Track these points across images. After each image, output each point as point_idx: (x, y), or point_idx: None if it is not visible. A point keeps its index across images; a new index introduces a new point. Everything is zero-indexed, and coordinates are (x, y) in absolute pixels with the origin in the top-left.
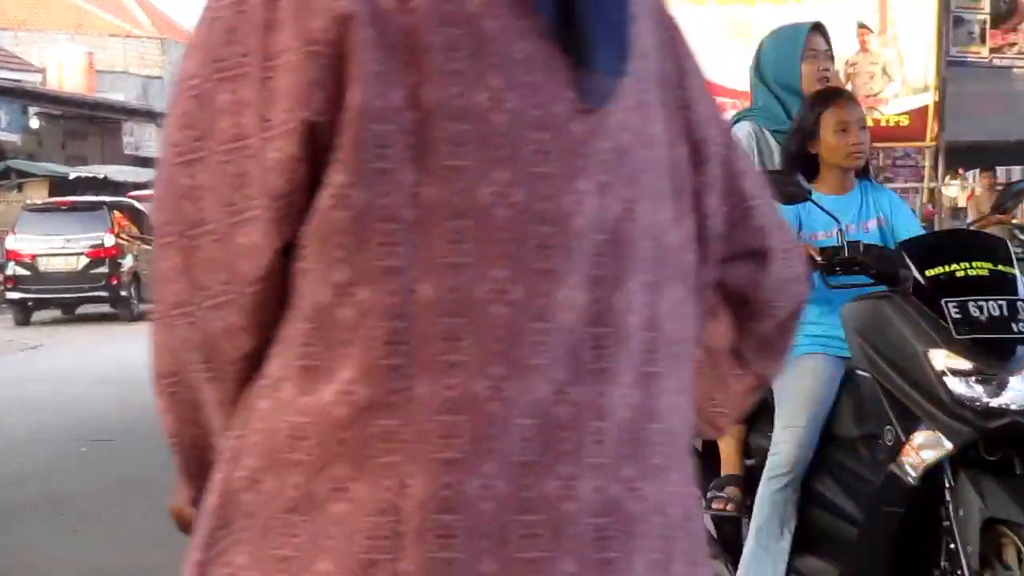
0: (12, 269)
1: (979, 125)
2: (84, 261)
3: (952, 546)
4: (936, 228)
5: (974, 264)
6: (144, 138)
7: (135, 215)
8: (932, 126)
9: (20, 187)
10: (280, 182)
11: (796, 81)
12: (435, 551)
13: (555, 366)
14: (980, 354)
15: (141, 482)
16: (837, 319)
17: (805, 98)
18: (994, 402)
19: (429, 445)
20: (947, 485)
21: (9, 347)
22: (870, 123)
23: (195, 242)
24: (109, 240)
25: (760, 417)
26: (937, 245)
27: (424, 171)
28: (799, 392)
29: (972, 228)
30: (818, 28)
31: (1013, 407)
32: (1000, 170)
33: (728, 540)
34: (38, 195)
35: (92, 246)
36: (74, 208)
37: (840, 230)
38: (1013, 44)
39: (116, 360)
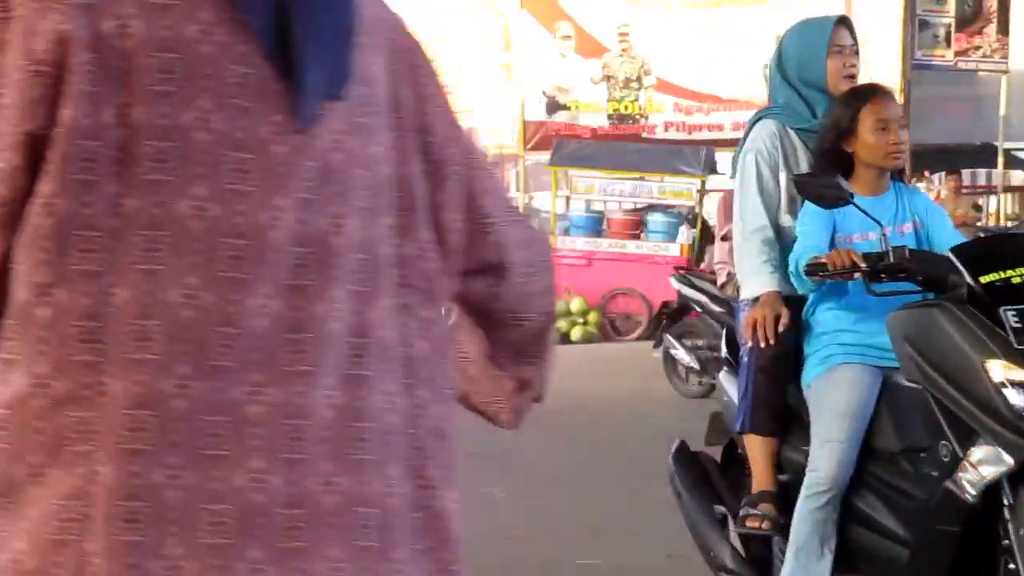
0: None
1: (944, 128)
2: None
3: (1012, 566)
4: None
5: None
6: None
7: None
8: None
9: None
10: (4, 190)
11: (821, 78)
12: (120, 534)
13: (248, 368)
14: None
15: None
16: (873, 326)
17: (842, 94)
18: None
19: (118, 436)
20: (1006, 503)
21: None
22: None
23: None
24: None
25: (793, 430)
26: (990, 250)
27: (127, 184)
28: (837, 404)
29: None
30: (844, 22)
31: None
32: (965, 172)
33: (759, 559)
34: None
35: None
36: None
37: (884, 234)
38: (978, 47)
39: None
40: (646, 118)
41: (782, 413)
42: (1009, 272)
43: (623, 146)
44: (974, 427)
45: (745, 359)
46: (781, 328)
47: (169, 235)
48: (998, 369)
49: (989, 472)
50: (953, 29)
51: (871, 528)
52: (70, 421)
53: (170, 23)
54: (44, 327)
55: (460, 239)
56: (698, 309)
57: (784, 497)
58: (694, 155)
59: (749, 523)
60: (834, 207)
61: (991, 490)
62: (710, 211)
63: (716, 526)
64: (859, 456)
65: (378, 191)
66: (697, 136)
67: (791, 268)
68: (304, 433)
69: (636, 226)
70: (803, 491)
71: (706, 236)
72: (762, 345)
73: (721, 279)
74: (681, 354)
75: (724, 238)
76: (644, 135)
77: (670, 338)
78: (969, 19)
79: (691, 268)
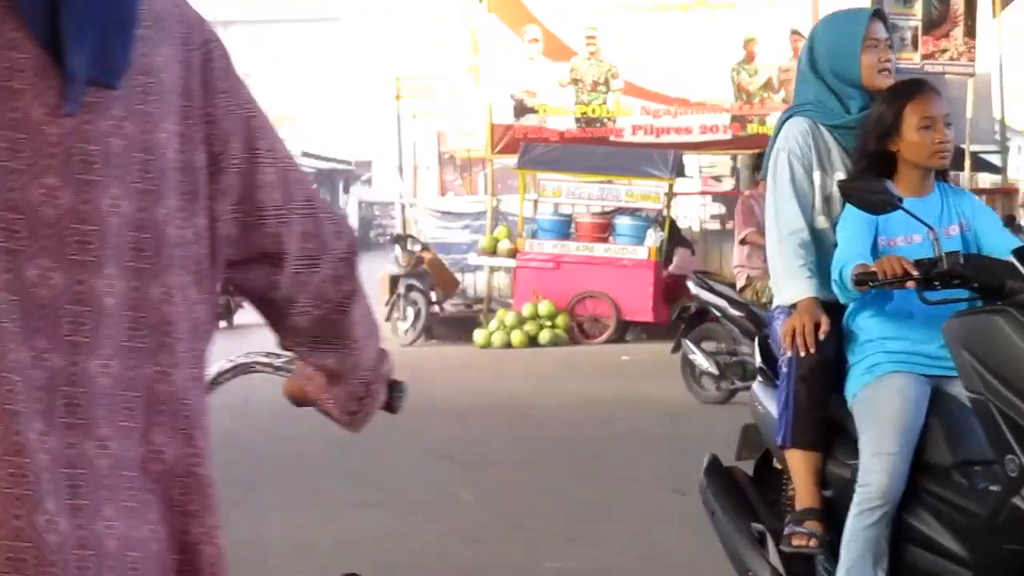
0: None
1: None
2: None
3: None
4: None
5: None
6: None
7: None
8: None
9: None
10: None
11: (855, 73)
12: None
13: (35, 335)
14: None
15: None
16: (920, 333)
17: (885, 90)
18: None
19: None
20: None
21: None
22: None
23: None
24: None
25: (837, 443)
26: None
27: None
28: (887, 415)
29: None
30: (878, 15)
31: None
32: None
33: None
34: None
35: None
36: None
37: (935, 240)
38: (945, 50)
39: None
40: (614, 121)
41: (825, 425)
42: None
43: (591, 149)
44: None
45: (784, 369)
46: (821, 336)
47: None
48: None
49: None
50: (920, 32)
51: (925, 546)
52: None
53: None
54: None
55: (231, 229)
56: (717, 313)
57: (829, 514)
58: (662, 158)
59: (795, 541)
60: (882, 213)
61: None
62: (678, 214)
63: (754, 545)
64: (909, 470)
65: (162, 174)
66: (665, 139)
67: (834, 277)
68: (81, 399)
69: (604, 229)
70: (854, 507)
71: (674, 238)
72: (801, 354)
73: (740, 283)
74: (700, 359)
75: (743, 242)
76: (612, 138)
77: (688, 343)
78: (936, 22)
79: (710, 273)
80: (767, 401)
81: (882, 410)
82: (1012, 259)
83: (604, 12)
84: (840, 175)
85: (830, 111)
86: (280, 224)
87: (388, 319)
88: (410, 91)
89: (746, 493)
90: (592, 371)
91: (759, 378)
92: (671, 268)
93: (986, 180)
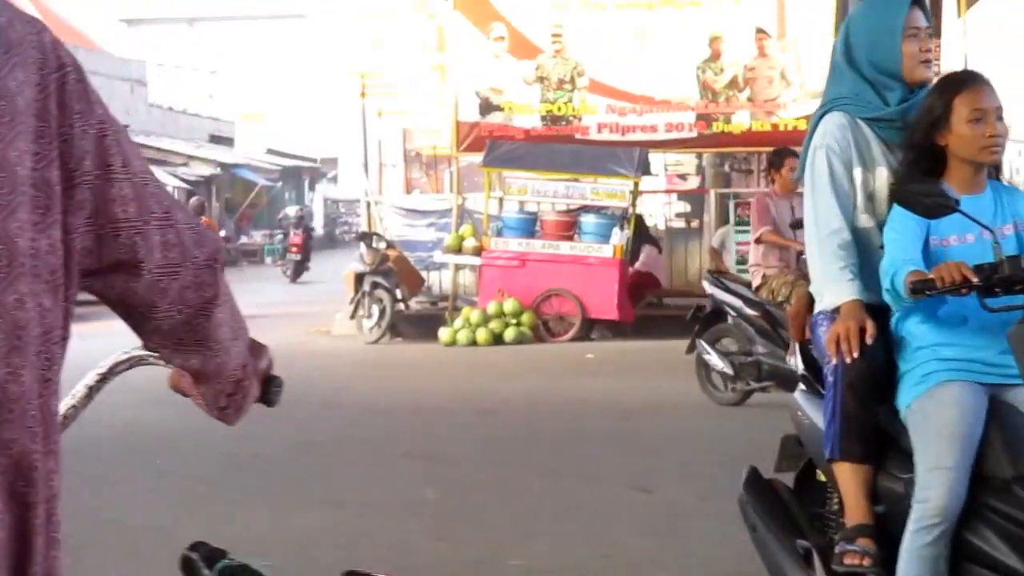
0: None
1: None
2: None
3: None
4: None
5: None
6: None
7: None
8: None
9: None
10: None
11: (895, 63)
12: None
13: None
14: None
15: None
16: (976, 339)
17: (935, 82)
18: None
19: None
20: None
21: None
22: (768, 128)
23: None
24: None
25: (888, 456)
26: None
27: None
28: (943, 426)
29: None
30: (918, 2)
31: None
32: None
33: None
34: None
35: None
36: None
37: (996, 243)
38: None
39: None
40: (579, 119)
41: (875, 437)
42: None
43: (556, 147)
44: None
45: (830, 378)
46: (868, 340)
47: None
48: None
49: None
50: None
51: (987, 565)
52: None
53: None
54: None
55: (87, 241)
56: (732, 313)
57: (881, 530)
58: (627, 156)
59: (848, 560)
60: (938, 216)
61: None
62: (644, 211)
63: (800, 563)
64: (968, 484)
65: (13, 189)
66: (631, 137)
67: (885, 284)
68: None
69: (569, 227)
70: (910, 524)
71: (642, 236)
72: (847, 360)
73: (756, 282)
74: (714, 359)
75: (758, 241)
76: (578, 136)
77: (703, 343)
78: None
79: (722, 272)
80: (811, 411)
81: (938, 421)
82: None
83: (570, 10)
84: (882, 170)
85: (868, 104)
86: (135, 235)
87: (353, 317)
88: (376, 88)
89: (789, 508)
90: (557, 369)
91: (801, 386)
92: (637, 265)
93: None
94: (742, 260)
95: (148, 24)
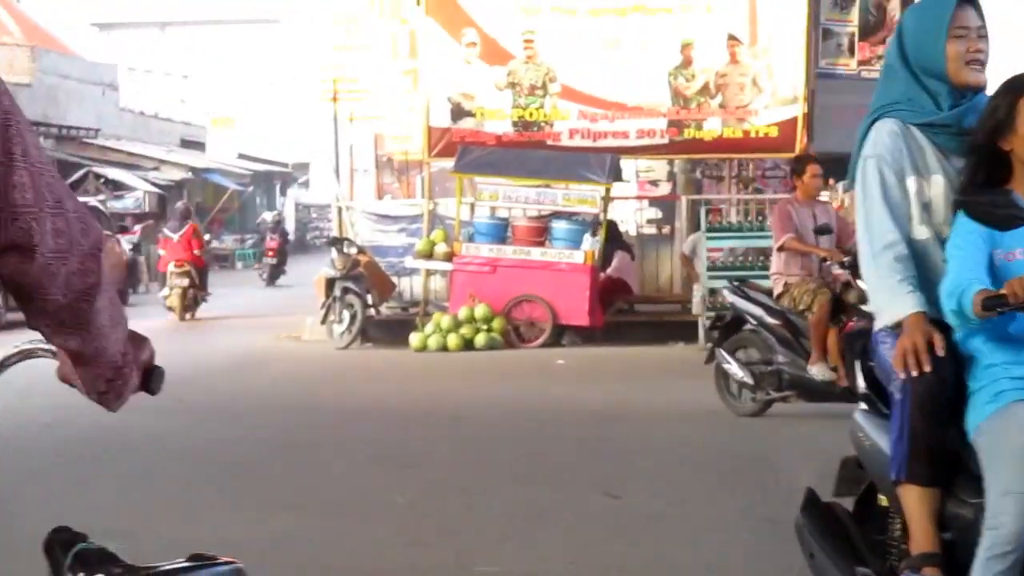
0: None
1: (848, 136)
2: None
3: None
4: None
5: None
6: None
7: None
8: (801, 137)
9: None
10: None
11: (940, 64)
12: None
13: None
14: None
15: None
16: None
17: (1001, 84)
18: None
19: None
20: None
21: None
22: (739, 134)
23: None
24: None
25: (957, 480)
26: None
27: None
28: (1015, 449)
29: None
30: (969, 1)
31: None
32: None
33: None
34: None
35: None
36: None
37: None
38: (881, 56)
39: None
40: (551, 125)
41: (944, 459)
42: None
43: (528, 153)
44: None
45: (897, 396)
46: (940, 352)
47: None
48: None
49: None
50: (856, 38)
51: None
52: None
53: None
54: None
55: None
56: (752, 322)
57: (949, 558)
58: (599, 162)
59: None
60: (1010, 229)
61: None
62: (615, 217)
63: None
64: None
65: None
66: (602, 143)
67: (950, 305)
68: None
69: (540, 233)
70: (981, 552)
71: (615, 241)
72: (914, 373)
73: (777, 290)
74: (734, 369)
75: (780, 248)
76: (549, 142)
77: (722, 352)
78: (872, 28)
79: (746, 283)
80: (873, 432)
81: (1010, 443)
82: None
83: (541, 16)
84: (938, 178)
85: (920, 109)
86: (32, 220)
87: (324, 322)
88: (347, 93)
89: (849, 533)
90: (528, 375)
91: (862, 405)
92: (609, 271)
93: None
94: (712, 266)
95: (120, 28)
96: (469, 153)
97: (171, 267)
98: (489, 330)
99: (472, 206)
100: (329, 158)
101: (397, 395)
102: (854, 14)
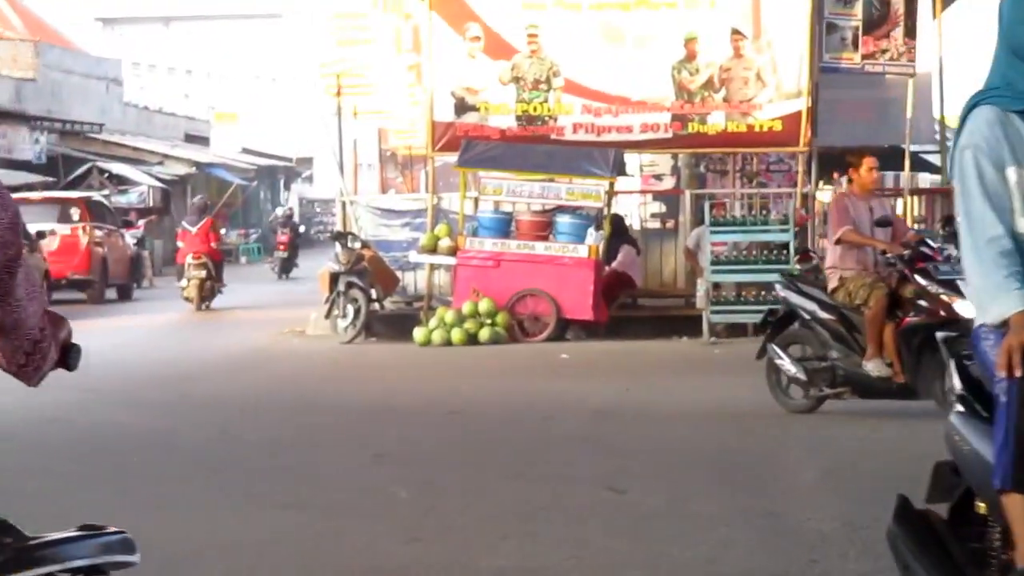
0: None
1: (852, 130)
2: None
3: None
4: (810, 233)
5: None
6: (17, 141)
7: None
8: (805, 131)
9: None
10: None
11: None
12: None
13: None
14: None
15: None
16: None
17: None
18: None
19: None
20: None
21: None
22: (743, 128)
23: None
24: None
25: None
26: None
27: None
28: None
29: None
30: None
31: None
32: None
33: None
34: None
35: None
36: None
37: None
38: (885, 51)
39: None
40: (555, 120)
41: None
42: None
43: (531, 148)
44: None
45: (1003, 398)
46: None
47: None
48: None
49: None
50: (860, 32)
51: None
52: None
53: None
54: None
55: None
56: (806, 317)
57: None
58: (602, 157)
59: None
60: None
61: None
62: (621, 212)
63: None
64: None
65: None
66: (606, 138)
67: None
68: None
69: (544, 228)
70: None
71: (621, 236)
72: (1017, 373)
73: (832, 284)
74: (787, 364)
75: (837, 242)
76: (553, 137)
77: (774, 347)
78: (876, 22)
79: (799, 278)
80: (972, 436)
81: None
82: None
83: (545, 10)
84: None
85: (1020, 94)
86: None
87: (328, 316)
88: (351, 88)
89: (944, 542)
90: (531, 369)
91: (959, 408)
92: (614, 264)
93: (926, 180)
94: (716, 261)
95: (124, 23)
96: (473, 147)
97: (189, 259)
98: (493, 324)
99: (476, 200)
100: (333, 153)
101: (400, 390)
102: (858, 8)
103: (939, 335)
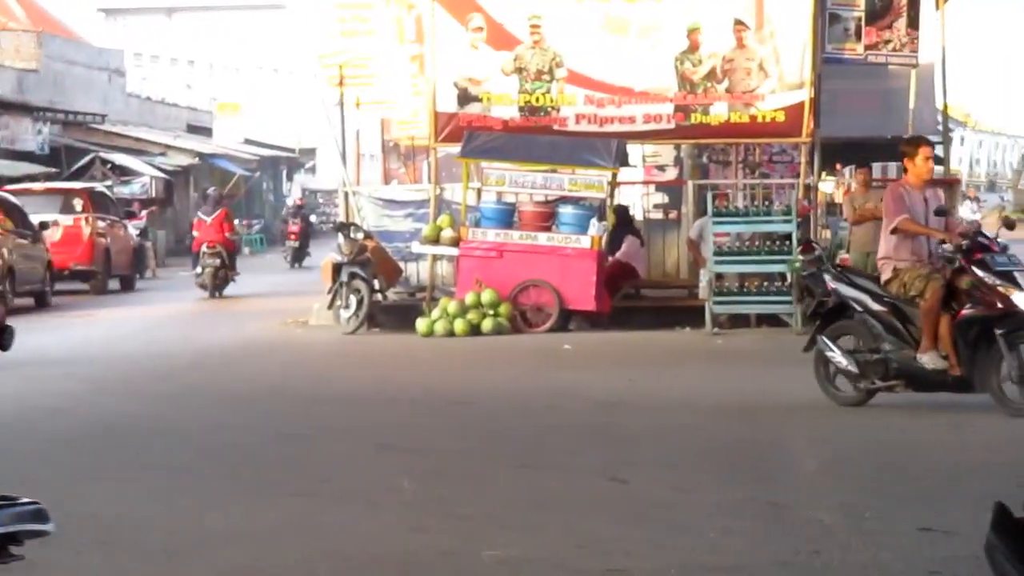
0: None
1: (854, 121)
2: None
3: None
4: (812, 223)
5: None
6: (20, 132)
7: (9, 209)
8: (808, 122)
9: None
10: None
11: None
12: None
13: None
14: None
15: None
16: None
17: None
18: None
19: None
20: None
21: None
22: (746, 119)
23: None
24: None
25: None
26: None
27: None
28: None
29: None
30: None
31: None
32: (875, 166)
33: None
34: None
35: None
36: None
37: None
38: (888, 41)
39: None
40: (558, 110)
41: None
42: None
43: (534, 138)
44: None
45: None
46: None
47: None
48: None
49: None
50: (863, 23)
51: None
52: None
53: None
54: None
55: None
56: (857, 308)
57: None
58: (605, 147)
59: None
60: None
61: None
62: (624, 202)
63: None
64: None
65: None
66: (609, 128)
67: None
68: None
69: (547, 218)
70: None
71: (625, 226)
72: None
73: (885, 276)
74: (837, 357)
75: (893, 231)
76: (555, 127)
77: (824, 339)
78: (879, 13)
79: (849, 268)
80: None
81: None
82: None
83: (548, 1)
84: None
85: None
86: None
87: (331, 307)
88: (354, 79)
89: None
90: (534, 360)
91: None
92: (618, 255)
93: None
94: (719, 251)
95: (126, 14)
96: (476, 138)
97: (204, 248)
98: (496, 315)
99: (479, 191)
100: (335, 143)
101: (403, 381)
102: None
103: (997, 329)
